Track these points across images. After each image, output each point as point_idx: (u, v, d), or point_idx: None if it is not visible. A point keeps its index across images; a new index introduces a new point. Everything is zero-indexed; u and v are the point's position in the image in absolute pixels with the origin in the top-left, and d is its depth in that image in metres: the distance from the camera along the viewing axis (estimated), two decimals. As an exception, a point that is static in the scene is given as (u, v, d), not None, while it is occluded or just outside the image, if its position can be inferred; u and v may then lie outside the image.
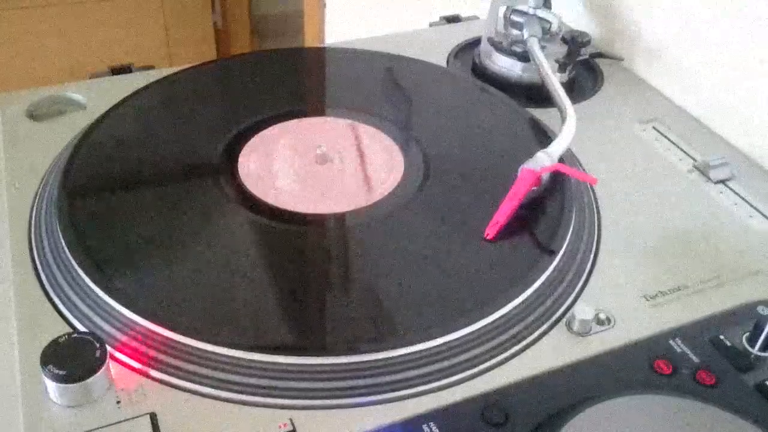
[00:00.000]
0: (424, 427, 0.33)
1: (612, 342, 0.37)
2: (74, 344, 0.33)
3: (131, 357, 0.35)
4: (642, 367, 0.36)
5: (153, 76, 0.57)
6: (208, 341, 0.35)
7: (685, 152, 0.52)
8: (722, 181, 0.49)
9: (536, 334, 0.38)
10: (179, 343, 0.35)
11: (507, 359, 0.36)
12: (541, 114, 0.54)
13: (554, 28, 0.59)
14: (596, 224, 0.45)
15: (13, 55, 1.58)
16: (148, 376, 0.35)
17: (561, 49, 0.58)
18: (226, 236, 0.42)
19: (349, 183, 0.47)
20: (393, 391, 0.34)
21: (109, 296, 0.37)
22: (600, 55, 0.62)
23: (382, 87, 0.58)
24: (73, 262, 0.39)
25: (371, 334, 0.36)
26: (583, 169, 0.50)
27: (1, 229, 0.43)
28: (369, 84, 0.58)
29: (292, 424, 0.33)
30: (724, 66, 0.54)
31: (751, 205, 0.47)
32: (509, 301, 0.38)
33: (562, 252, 0.41)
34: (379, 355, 0.35)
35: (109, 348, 0.34)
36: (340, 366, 0.35)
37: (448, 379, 0.35)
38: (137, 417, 0.33)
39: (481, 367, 0.36)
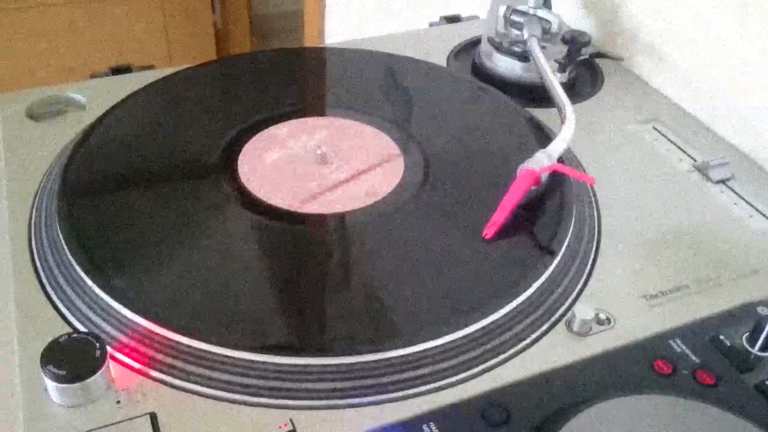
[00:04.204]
0: (424, 427, 0.33)
1: (612, 342, 0.37)
2: (74, 344, 0.33)
3: (131, 357, 0.35)
4: (642, 367, 0.36)
5: (153, 76, 0.57)
6: (208, 341, 0.35)
7: (685, 152, 0.52)
8: (722, 181, 0.49)
9: (536, 334, 0.38)
10: (179, 343, 0.35)
11: (507, 359, 0.36)
12: (541, 114, 0.54)
13: (554, 28, 0.59)
14: (596, 224, 0.45)
15: (13, 55, 1.58)
16: (148, 376, 0.35)
17: (561, 49, 0.58)
18: (226, 236, 0.42)
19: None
20: (393, 391, 0.34)
21: (109, 296, 0.37)
22: (600, 55, 0.62)
23: (382, 87, 0.58)
24: (73, 262, 0.39)
25: (371, 334, 0.36)
26: (583, 169, 0.50)
27: (1, 229, 0.43)
28: (369, 84, 0.58)
29: (292, 424, 0.33)
30: (724, 66, 0.54)
31: (751, 205, 0.47)
32: (509, 302, 0.38)
33: (561, 252, 0.41)
34: (378, 355, 0.35)
35: (109, 348, 0.34)
36: (340, 366, 0.35)
37: (448, 379, 0.35)
38: (137, 417, 0.33)
39: (481, 367, 0.36)
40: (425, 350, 0.35)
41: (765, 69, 0.51)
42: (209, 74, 0.59)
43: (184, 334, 0.35)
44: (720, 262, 0.43)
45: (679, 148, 0.53)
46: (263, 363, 0.34)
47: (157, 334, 0.35)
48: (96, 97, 0.55)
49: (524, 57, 0.58)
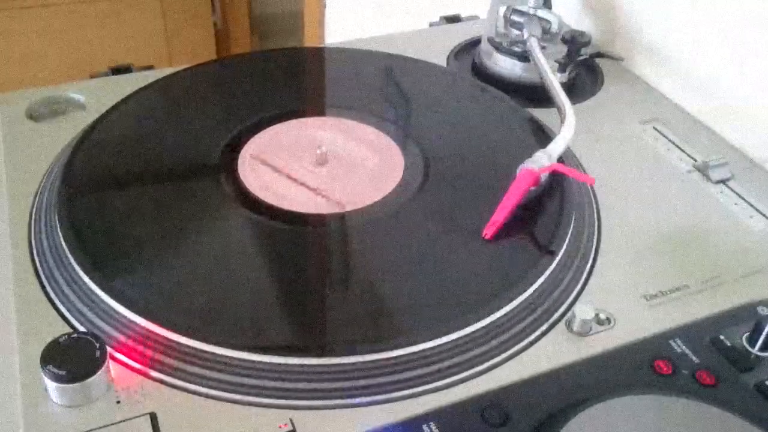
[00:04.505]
0: (424, 427, 0.33)
1: (612, 342, 0.37)
2: (74, 344, 0.33)
3: (131, 357, 0.35)
4: (642, 367, 0.36)
5: (153, 76, 0.57)
6: (208, 342, 0.35)
7: (685, 152, 0.52)
8: (722, 181, 0.49)
9: (536, 334, 0.38)
10: (179, 343, 0.35)
11: (507, 359, 0.36)
12: (541, 114, 0.54)
13: (554, 28, 0.59)
14: (596, 224, 0.45)
15: (13, 55, 1.58)
16: (147, 376, 0.35)
17: (561, 49, 0.58)
18: (226, 236, 0.42)
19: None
20: (393, 391, 0.34)
21: (109, 296, 0.37)
22: (600, 55, 0.62)
23: (382, 87, 0.58)
24: (73, 262, 0.39)
25: (371, 334, 0.36)
26: (583, 169, 0.50)
27: (1, 229, 0.43)
28: (369, 84, 0.58)
29: (292, 424, 0.33)
30: (724, 66, 0.54)
31: (751, 205, 0.47)
32: (509, 302, 0.38)
33: (561, 252, 0.41)
34: (378, 355, 0.35)
35: (108, 348, 0.34)
36: (340, 366, 0.35)
37: (448, 379, 0.35)
38: (137, 417, 0.33)
39: (481, 367, 0.36)
40: (425, 350, 0.35)
41: (765, 69, 0.51)
42: (209, 74, 0.59)
43: (184, 334, 0.35)
44: (720, 262, 0.43)
45: (679, 148, 0.53)
46: (263, 363, 0.34)
47: (157, 334, 0.35)
48: (96, 97, 0.55)
49: (524, 57, 0.58)
